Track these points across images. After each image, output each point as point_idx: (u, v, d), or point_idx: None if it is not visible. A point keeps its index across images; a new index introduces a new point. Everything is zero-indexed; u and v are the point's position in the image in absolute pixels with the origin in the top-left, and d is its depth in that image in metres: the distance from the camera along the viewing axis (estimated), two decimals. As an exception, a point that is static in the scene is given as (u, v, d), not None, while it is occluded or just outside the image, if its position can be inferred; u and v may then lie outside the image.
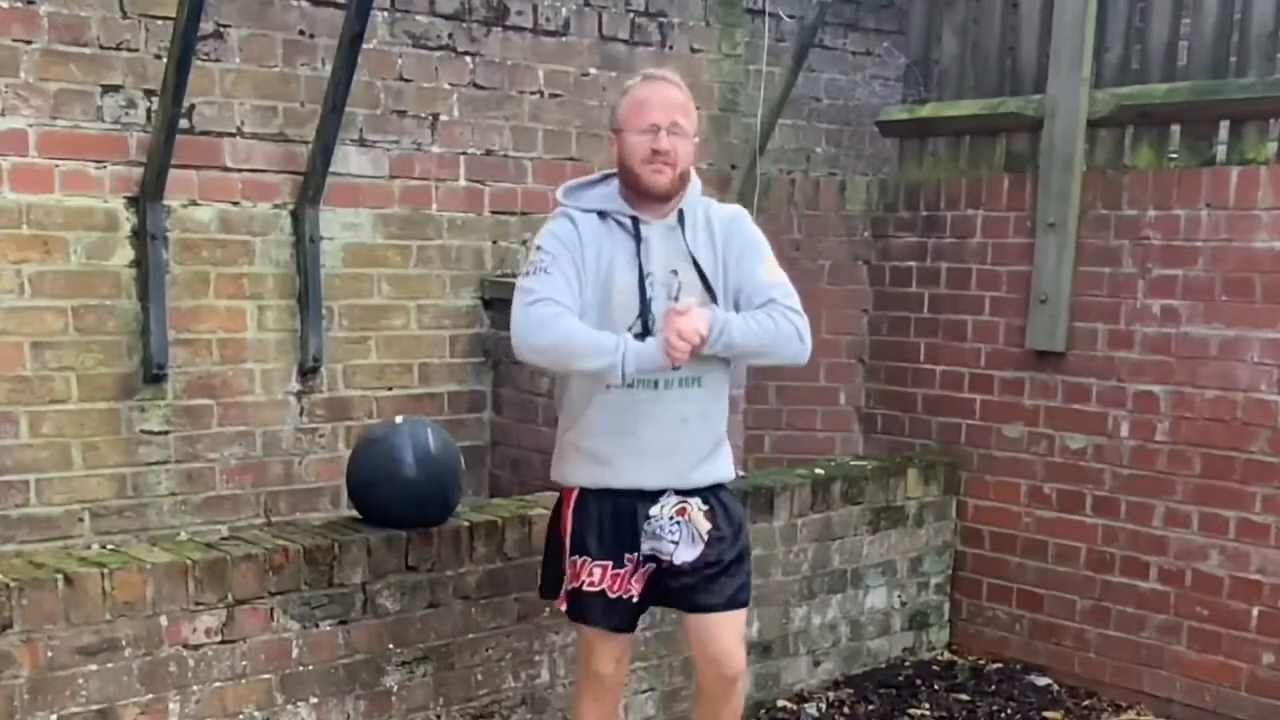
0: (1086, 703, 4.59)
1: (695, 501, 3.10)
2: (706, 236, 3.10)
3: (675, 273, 3.04)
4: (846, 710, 4.48)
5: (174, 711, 3.14)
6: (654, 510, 3.08)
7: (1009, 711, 4.49)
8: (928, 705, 4.52)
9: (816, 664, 4.62)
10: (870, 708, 4.49)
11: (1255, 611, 4.26)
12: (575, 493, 3.15)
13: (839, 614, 4.66)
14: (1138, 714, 4.51)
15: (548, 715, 3.84)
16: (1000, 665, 4.88)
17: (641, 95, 3.04)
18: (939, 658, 5.00)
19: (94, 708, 3.01)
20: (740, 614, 3.21)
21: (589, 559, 3.11)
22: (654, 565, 3.12)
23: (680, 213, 3.08)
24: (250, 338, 4.24)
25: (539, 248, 3.05)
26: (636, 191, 3.04)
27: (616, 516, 3.09)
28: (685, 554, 3.08)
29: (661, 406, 3.04)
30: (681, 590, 3.16)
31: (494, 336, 4.75)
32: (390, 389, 4.55)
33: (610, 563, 3.10)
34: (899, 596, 4.86)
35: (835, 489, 4.56)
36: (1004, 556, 4.90)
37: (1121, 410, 4.55)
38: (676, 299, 3.01)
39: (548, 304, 2.95)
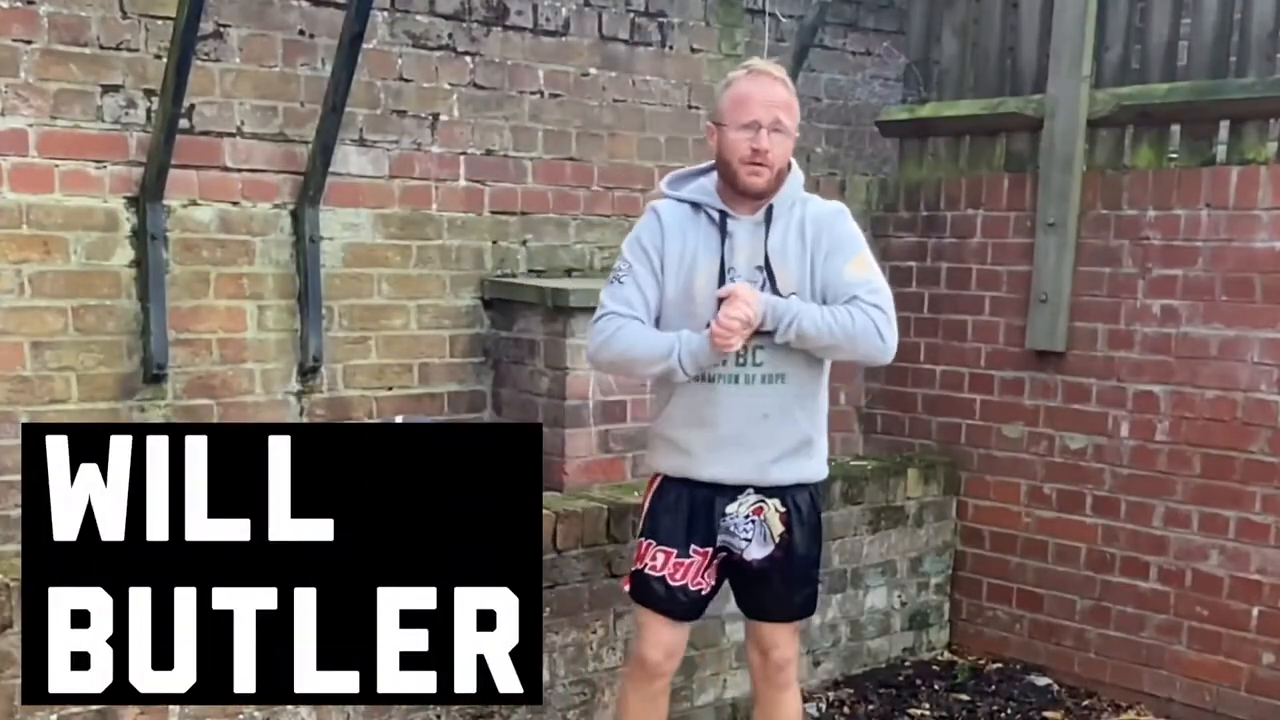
0: (1086, 703, 4.59)
1: (774, 503, 3.12)
2: (797, 235, 3.09)
3: (760, 269, 3.04)
4: (846, 710, 4.48)
5: (174, 711, 3.14)
6: (730, 508, 3.11)
7: (1009, 711, 4.49)
8: (928, 705, 4.52)
9: (816, 664, 4.62)
10: (870, 708, 4.49)
11: (1255, 611, 4.26)
12: (658, 479, 3.21)
13: (839, 614, 4.66)
14: (1138, 714, 4.51)
15: (548, 715, 3.84)
16: (1000, 665, 4.88)
17: (744, 90, 3.02)
18: (939, 658, 5.00)
19: (94, 707, 3.01)
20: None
21: (655, 544, 3.17)
22: (725, 554, 3.16)
23: (770, 209, 3.07)
24: (250, 338, 4.23)
25: (621, 254, 3.14)
26: (733, 188, 3.05)
27: (692, 507, 3.14)
28: (755, 552, 3.12)
29: (742, 401, 3.06)
30: (748, 593, 3.24)
31: (494, 336, 4.75)
32: (390, 389, 4.55)
33: (674, 551, 3.14)
34: (899, 596, 4.86)
35: (835, 489, 4.56)
36: (1004, 556, 4.90)
37: (1121, 410, 4.55)
38: None
39: (612, 318, 3.05)
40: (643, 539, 3.21)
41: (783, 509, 3.13)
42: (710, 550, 3.14)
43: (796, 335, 2.99)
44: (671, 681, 4.08)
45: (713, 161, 3.15)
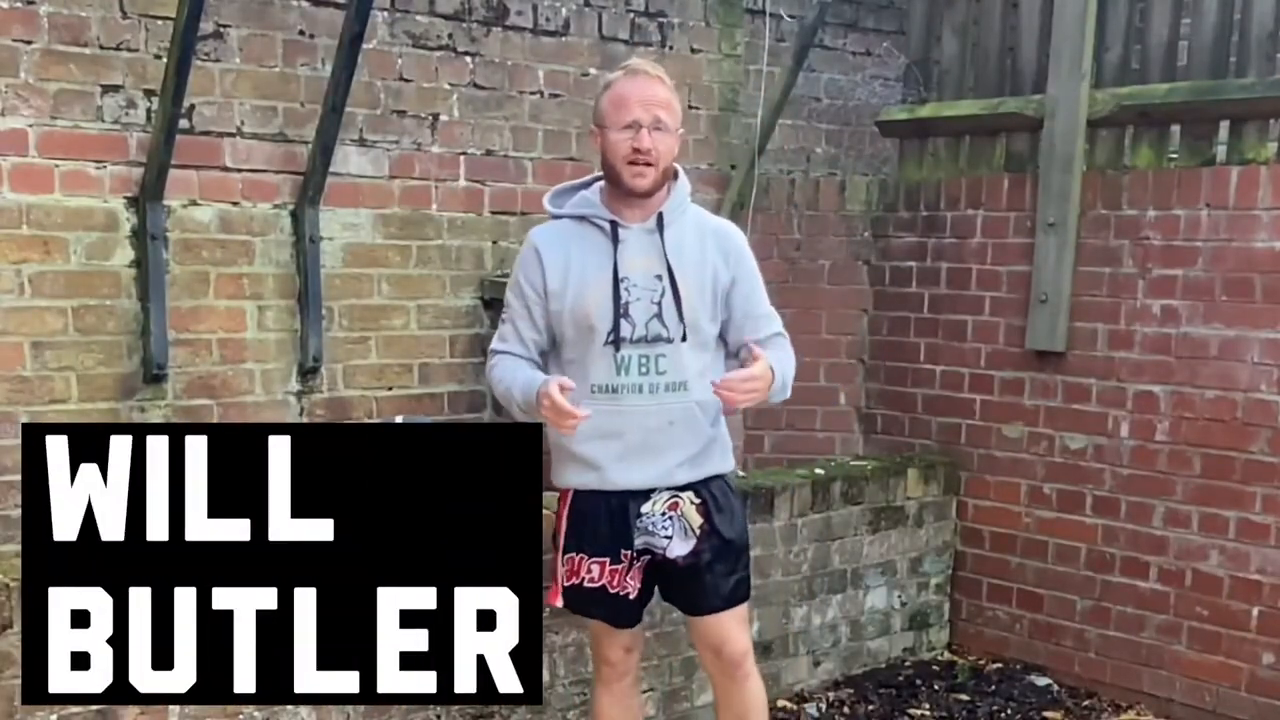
0: (1086, 703, 4.59)
1: (687, 495, 3.11)
2: (695, 244, 3.07)
3: (660, 278, 3.02)
4: (846, 710, 4.48)
5: (174, 711, 3.14)
6: (645, 507, 3.10)
7: (1009, 711, 4.49)
8: (928, 705, 4.52)
9: (816, 664, 4.62)
10: (870, 708, 4.49)
11: (1255, 611, 4.26)
12: (569, 493, 3.17)
13: (839, 614, 4.66)
14: (1138, 714, 4.51)
15: (548, 715, 3.84)
16: (1000, 665, 4.88)
17: (621, 91, 2.99)
18: (939, 658, 5.00)
19: (94, 707, 3.01)
20: (740, 606, 3.24)
21: (585, 556, 3.14)
22: (649, 558, 3.13)
23: (660, 215, 3.05)
24: (250, 338, 4.24)
25: (506, 294, 3.21)
26: (618, 190, 3.03)
27: (610, 514, 3.11)
28: (678, 549, 3.10)
29: (647, 410, 3.05)
30: (681, 590, 3.20)
31: (494, 336, 4.74)
32: (390, 389, 4.55)
33: (607, 559, 3.12)
34: (899, 596, 4.86)
35: (835, 489, 4.56)
36: (1004, 556, 4.90)
37: (1121, 410, 4.55)
38: (659, 304, 3.02)
39: (493, 357, 3.18)
40: (570, 554, 3.16)
41: (698, 500, 3.11)
42: (633, 552, 3.12)
43: (780, 388, 3.08)
44: (671, 681, 4.11)
45: (594, 174, 3.15)
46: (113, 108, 3.93)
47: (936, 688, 4.68)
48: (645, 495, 3.10)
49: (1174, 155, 4.53)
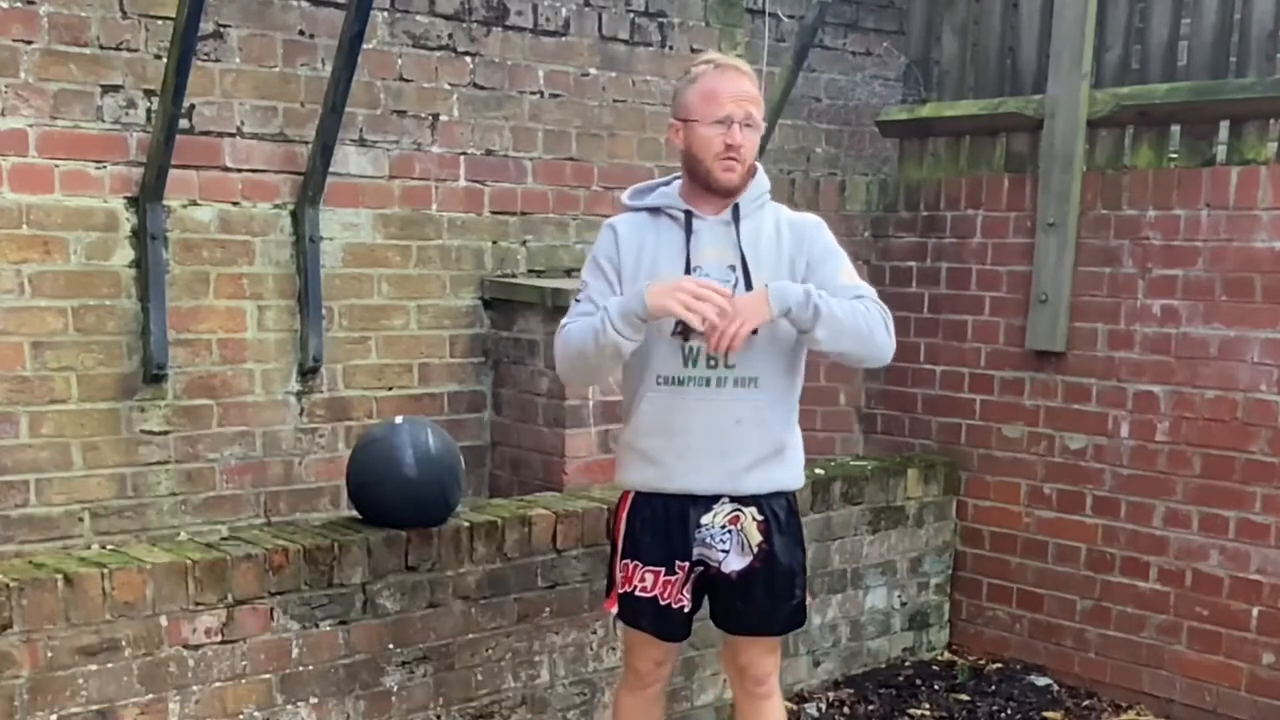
0: (1086, 703, 4.59)
1: (750, 511, 3.03)
2: (773, 237, 3.00)
3: (733, 268, 2.96)
4: (846, 710, 4.48)
5: (174, 712, 3.14)
6: (705, 519, 3.03)
7: (1009, 711, 4.49)
8: (928, 705, 4.52)
9: (816, 664, 4.62)
10: (870, 708, 4.49)
11: (1255, 611, 4.26)
12: (630, 496, 3.11)
13: (839, 614, 4.66)
14: (1138, 714, 4.51)
15: (548, 715, 3.84)
16: (1000, 665, 4.88)
17: (712, 85, 2.92)
18: (939, 658, 5.00)
19: (94, 708, 3.01)
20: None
21: (640, 564, 3.07)
22: (703, 569, 3.08)
23: (736, 208, 2.99)
24: (250, 338, 4.24)
25: (582, 276, 3.09)
26: (706, 186, 2.96)
27: (668, 521, 3.04)
28: (734, 563, 3.04)
29: (713, 405, 2.94)
30: (726, 606, 3.13)
31: (494, 336, 4.75)
32: (390, 389, 4.56)
33: (662, 569, 3.06)
34: (899, 596, 4.86)
35: (835, 489, 4.56)
36: (1004, 556, 4.90)
37: (1121, 410, 4.55)
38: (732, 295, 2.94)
39: (563, 329, 2.98)
40: (626, 560, 3.09)
41: (760, 518, 3.03)
42: (689, 564, 3.06)
43: (815, 310, 2.83)
44: (671, 681, 4.10)
45: (671, 176, 3.11)
46: (113, 108, 3.93)
47: (936, 688, 4.68)
48: (707, 506, 3.03)
49: (1174, 155, 4.54)
